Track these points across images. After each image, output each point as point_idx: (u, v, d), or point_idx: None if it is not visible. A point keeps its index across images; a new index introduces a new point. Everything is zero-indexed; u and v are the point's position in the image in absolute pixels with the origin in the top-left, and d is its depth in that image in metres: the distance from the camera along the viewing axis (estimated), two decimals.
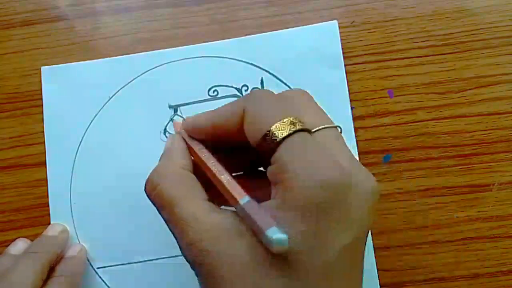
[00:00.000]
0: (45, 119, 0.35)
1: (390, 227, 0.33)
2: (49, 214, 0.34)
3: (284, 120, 0.23)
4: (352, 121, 0.34)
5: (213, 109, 0.27)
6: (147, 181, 0.27)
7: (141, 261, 0.34)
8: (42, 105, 0.36)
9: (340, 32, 0.35)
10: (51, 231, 0.33)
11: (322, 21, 0.35)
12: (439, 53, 0.35)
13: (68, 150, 0.35)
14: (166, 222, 0.25)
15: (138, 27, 0.36)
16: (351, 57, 0.35)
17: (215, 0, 0.36)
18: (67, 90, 0.36)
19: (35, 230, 0.34)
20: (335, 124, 0.25)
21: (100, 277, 0.34)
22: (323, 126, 0.25)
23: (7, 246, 0.33)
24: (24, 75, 0.36)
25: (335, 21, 0.35)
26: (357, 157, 0.34)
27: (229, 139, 0.27)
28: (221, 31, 0.36)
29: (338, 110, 0.34)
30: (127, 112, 0.35)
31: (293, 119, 0.23)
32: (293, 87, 0.35)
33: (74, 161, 0.35)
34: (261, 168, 0.29)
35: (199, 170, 0.27)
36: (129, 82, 0.35)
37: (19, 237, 0.34)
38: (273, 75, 0.35)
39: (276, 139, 0.23)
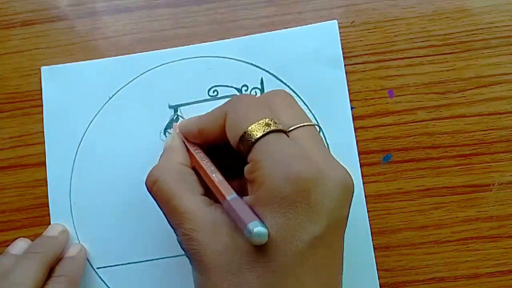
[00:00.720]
0: (45, 119, 0.35)
1: (390, 227, 0.34)
2: (49, 214, 0.34)
3: (260, 122, 0.25)
4: (352, 121, 0.34)
5: (210, 110, 0.29)
6: (148, 175, 0.28)
7: (141, 261, 0.34)
8: (42, 105, 0.36)
9: (340, 32, 0.35)
10: (51, 231, 0.33)
11: (322, 21, 0.35)
12: (439, 53, 0.35)
13: (68, 150, 0.35)
14: (164, 214, 0.27)
15: (138, 27, 0.36)
16: (351, 57, 0.35)
17: (215, 0, 0.36)
18: (67, 90, 0.36)
19: (35, 230, 0.34)
20: (313, 123, 0.27)
21: (100, 277, 0.34)
22: (299, 125, 0.26)
23: (7, 246, 0.33)
24: (24, 75, 0.36)
25: (335, 21, 0.35)
26: (357, 157, 0.34)
27: (216, 142, 0.29)
28: (221, 31, 0.36)
29: (338, 110, 0.34)
30: (127, 112, 0.35)
31: (268, 120, 0.25)
32: (293, 87, 0.35)
33: (74, 161, 0.35)
34: None
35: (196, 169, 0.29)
36: (129, 82, 0.35)
37: (19, 237, 0.34)
38: (273, 75, 0.35)
39: (251, 140, 0.25)
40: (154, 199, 0.28)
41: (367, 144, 0.34)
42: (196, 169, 0.29)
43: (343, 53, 0.35)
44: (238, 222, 0.24)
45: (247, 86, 0.35)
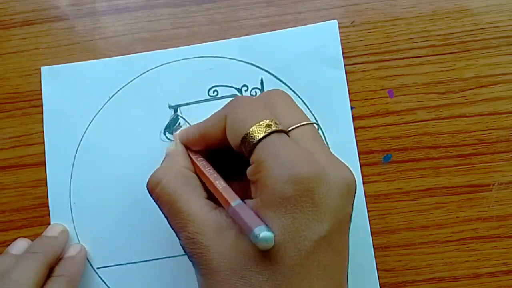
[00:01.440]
0: (45, 119, 0.35)
1: (390, 227, 0.34)
2: (49, 214, 0.34)
3: (261, 123, 0.25)
4: (352, 121, 0.34)
5: (211, 111, 0.29)
6: (150, 177, 0.28)
7: (141, 261, 0.34)
8: (42, 105, 0.36)
9: (340, 32, 0.35)
10: (51, 231, 0.33)
11: (322, 21, 0.35)
12: (439, 53, 0.35)
13: (67, 150, 0.35)
14: (166, 216, 0.27)
15: (138, 27, 0.36)
16: (351, 57, 0.35)
17: (215, 0, 0.36)
18: (67, 90, 0.36)
19: (35, 230, 0.34)
20: (311, 121, 0.27)
21: (100, 277, 0.34)
22: (298, 124, 0.26)
23: (7, 246, 0.33)
24: (24, 75, 0.36)
25: (335, 21, 0.35)
26: (357, 157, 0.34)
27: (218, 146, 0.28)
28: (221, 31, 0.36)
29: (338, 110, 0.34)
30: (127, 112, 0.35)
31: (269, 121, 0.25)
32: (293, 87, 0.35)
33: (74, 161, 0.35)
34: None
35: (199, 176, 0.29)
36: (129, 82, 0.35)
37: (19, 237, 0.34)
38: (273, 75, 0.35)
39: (253, 141, 0.25)
40: (156, 201, 0.28)
41: (367, 144, 0.34)
42: (199, 177, 0.29)
43: (343, 53, 0.35)
44: (244, 228, 0.24)
45: (247, 86, 0.35)
